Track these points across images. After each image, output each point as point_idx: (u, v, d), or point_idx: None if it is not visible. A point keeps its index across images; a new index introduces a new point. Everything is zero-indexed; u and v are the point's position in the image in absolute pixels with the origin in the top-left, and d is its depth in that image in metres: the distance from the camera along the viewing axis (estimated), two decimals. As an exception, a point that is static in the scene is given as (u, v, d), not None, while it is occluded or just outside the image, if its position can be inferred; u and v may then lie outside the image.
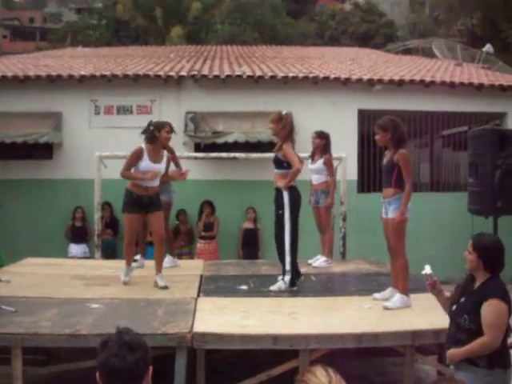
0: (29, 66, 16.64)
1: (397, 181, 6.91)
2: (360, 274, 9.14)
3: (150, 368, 2.82)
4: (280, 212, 7.89)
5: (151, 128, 8.02)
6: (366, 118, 14.79)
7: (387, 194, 7.04)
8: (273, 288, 7.84)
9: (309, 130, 14.21)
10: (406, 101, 14.65)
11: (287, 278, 7.83)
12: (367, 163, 14.88)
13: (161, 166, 8.14)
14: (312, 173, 9.94)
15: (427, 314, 6.45)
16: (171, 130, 8.25)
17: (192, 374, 5.82)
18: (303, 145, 13.67)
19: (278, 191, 7.97)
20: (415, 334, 5.89)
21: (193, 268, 9.10)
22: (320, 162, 9.78)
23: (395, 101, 14.63)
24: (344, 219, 11.24)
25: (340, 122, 14.45)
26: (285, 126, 7.95)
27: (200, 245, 13.45)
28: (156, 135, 7.96)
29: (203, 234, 13.55)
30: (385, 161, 7.14)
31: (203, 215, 13.62)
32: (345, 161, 11.28)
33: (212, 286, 8.11)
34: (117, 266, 9.01)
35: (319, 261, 9.75)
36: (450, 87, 14.70)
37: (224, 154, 12.06)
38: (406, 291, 6.96)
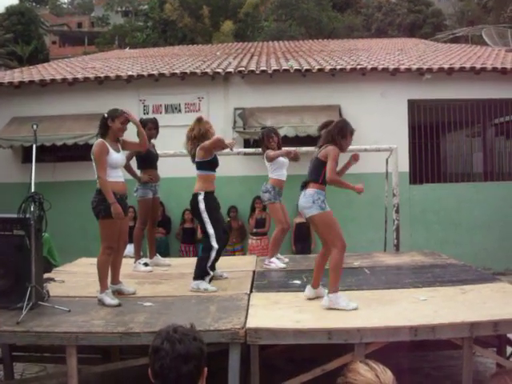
0: (77, 68, 16.88)
1: None
2: (415, 266, 8.95)
3: (205, 370, 2.76)
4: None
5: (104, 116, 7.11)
6: (415, 109, 14.59)
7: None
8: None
9: (358, 123, 14.11)
10: (457, 89, 14.42)
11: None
12: (418, 154, 14.65)
13: (123, 157, 7.36)
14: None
15: (485, 305, 6.28)
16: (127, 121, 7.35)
17: (246, 370, 5.76)
18: (355, 138, 13.62)
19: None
20: (474, 326, 5.68)
21: (246, 264, 9.03)
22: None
23: (445, 90, 14.40)
24: (397, 211, 11.04)
25: (390, 113, 14.31)
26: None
27: (252, 241, 13.43)
28: (108, 125, 7.09)
29: (255, 230, 13.52)
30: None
31: (255, 211, 13.60)
32: (396, 152, 11.07)
33: (265, 281, 8.04)
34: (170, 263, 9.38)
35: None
36: (502, 74, 14.38)
37: (274, 149, 12.00)
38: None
